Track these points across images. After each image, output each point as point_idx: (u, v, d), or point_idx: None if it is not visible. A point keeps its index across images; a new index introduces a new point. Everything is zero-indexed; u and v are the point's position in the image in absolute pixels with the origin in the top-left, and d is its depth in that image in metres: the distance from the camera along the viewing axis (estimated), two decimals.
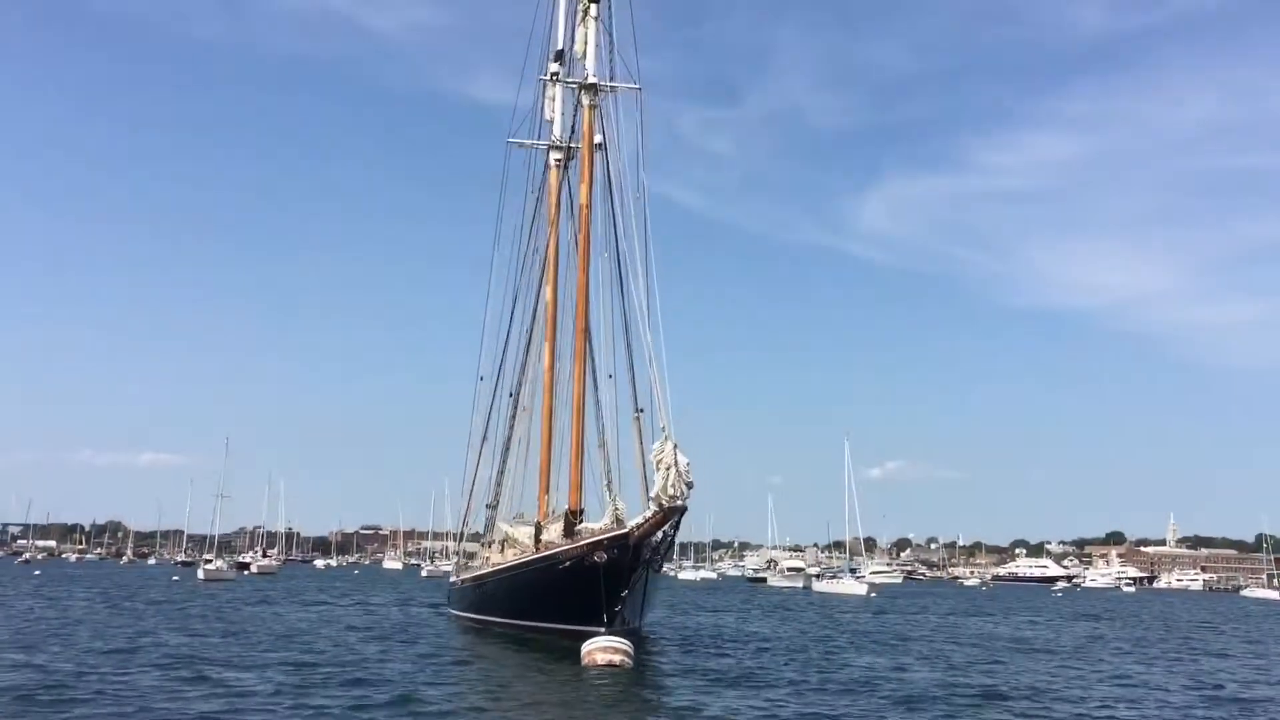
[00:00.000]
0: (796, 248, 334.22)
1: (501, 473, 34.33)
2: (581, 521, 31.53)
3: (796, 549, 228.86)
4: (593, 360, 41.51)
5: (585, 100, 35.75)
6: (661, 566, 26.76)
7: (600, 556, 25.05)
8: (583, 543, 26.07)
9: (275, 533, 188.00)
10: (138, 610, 38.18)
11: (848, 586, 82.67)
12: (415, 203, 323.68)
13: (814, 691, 19.06)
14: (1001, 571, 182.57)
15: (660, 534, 25.26)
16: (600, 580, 24.99)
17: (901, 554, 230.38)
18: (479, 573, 34.05)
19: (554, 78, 36.39)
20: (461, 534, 39.10)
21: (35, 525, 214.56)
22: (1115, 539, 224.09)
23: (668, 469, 21.81)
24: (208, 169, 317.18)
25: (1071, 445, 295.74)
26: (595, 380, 39.96)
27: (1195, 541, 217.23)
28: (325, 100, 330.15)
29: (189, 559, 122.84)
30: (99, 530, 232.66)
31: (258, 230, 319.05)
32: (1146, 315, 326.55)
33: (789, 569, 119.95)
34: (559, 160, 42.23)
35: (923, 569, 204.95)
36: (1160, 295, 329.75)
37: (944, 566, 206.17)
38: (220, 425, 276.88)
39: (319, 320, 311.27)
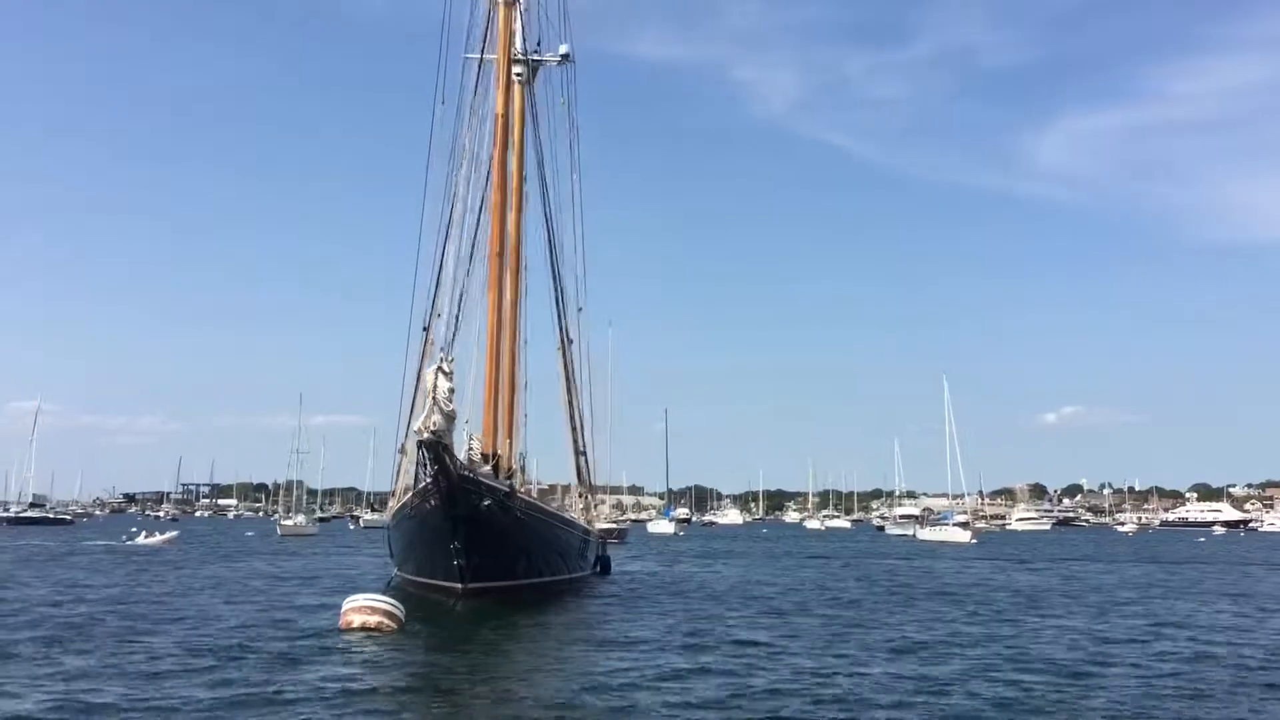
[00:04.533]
0: (968, 190, 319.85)
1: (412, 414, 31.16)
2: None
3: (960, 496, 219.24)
4: (562, 292, 38.65)
5: None
6: (515, 511, 23.12)
7: (429, 503, 22.11)
8: (418, 490, 23.11)
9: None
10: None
11: (949, 534, 78.27)
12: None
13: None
14: (1171, 516, 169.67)
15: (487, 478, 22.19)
16: (426, 529, 22.14)
17: (1065, 500, 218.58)
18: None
19: None
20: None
21: (219, 485, 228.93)
22: None
23: (427, 397, 18.34)
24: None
25: (1266, 383, 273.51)
26: (564, 313, 36.87)
27: None
28: None
29: (355, 514, 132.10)
30: (281, 489, 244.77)
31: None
32: None
33: (901, 517, 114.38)
34: (519, 75, 38.97)
35: (1087, 515, 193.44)
36: None
37: (1111, 512, 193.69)
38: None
39: None
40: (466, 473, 21.33)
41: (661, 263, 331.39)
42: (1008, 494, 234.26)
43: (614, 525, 72.15)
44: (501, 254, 30.16)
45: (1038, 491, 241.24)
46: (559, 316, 33.03)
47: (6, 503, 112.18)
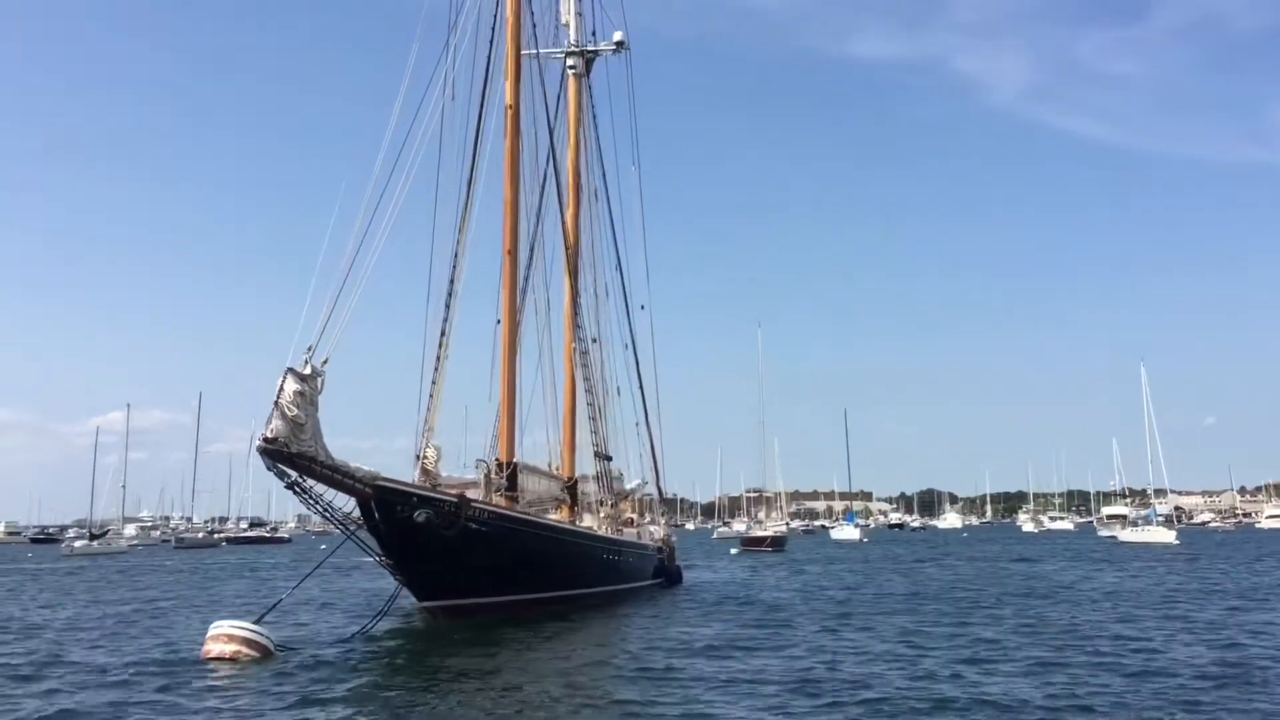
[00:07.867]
0: (1217, 165, 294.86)
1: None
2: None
3: (1209, 494, 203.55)
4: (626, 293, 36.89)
5: None
6: (468, 522, 21.11)
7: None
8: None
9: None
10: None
11: (1151, 534, 70.92)
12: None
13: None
14: None
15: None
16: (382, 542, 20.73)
17: None
18: None
19: None
20: None
21: None
22: None
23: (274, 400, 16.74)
24: None
25: None
26: (579, 311, 34.59)
27: None
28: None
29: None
30: None
31: None
32: None
33: (1108, 517, 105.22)
34: (573, 68, 37.39)
35: None
36: None
37: None
38: None
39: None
40: (384, 483, 19.69)
41: (872, 261, 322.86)
42: (1268, 490, 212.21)
43: (770, 534, 69.41)
44: (513, 252, 28.39)
45: None
46: (574, 316, 31.20)
47: (242, 522, 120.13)
